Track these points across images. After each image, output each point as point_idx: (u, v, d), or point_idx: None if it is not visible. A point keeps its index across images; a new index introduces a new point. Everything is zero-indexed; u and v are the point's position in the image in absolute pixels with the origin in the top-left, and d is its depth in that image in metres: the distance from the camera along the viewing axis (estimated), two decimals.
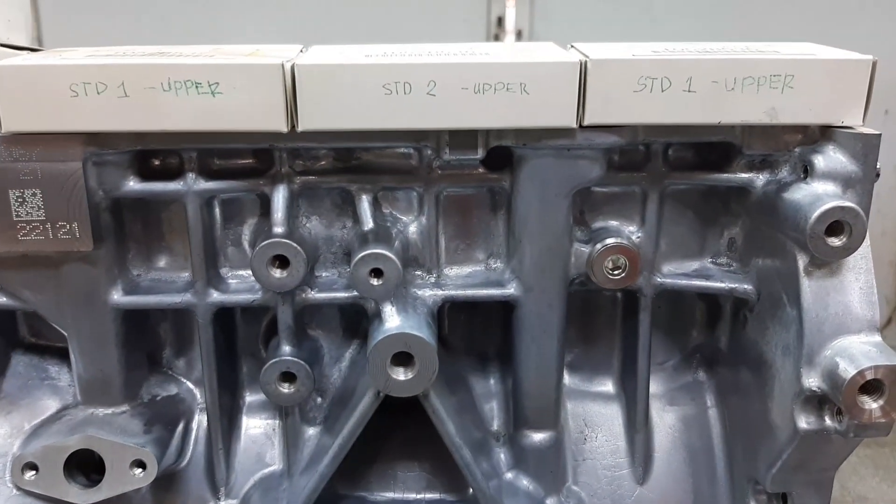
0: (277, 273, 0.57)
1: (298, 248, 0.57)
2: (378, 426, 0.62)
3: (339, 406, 0.64)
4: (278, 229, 0.58)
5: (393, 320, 0.56)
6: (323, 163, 0.60)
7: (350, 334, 0.66)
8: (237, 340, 0.66)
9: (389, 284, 0.55)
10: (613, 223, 0.63)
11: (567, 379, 0.69)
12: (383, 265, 0.55)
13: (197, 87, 0.53)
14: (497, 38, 1.85)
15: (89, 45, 0.62)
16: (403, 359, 0.56)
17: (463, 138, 0.56)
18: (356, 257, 0.55)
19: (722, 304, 0.66)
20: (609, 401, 0.69)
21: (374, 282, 0.56)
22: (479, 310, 0.67)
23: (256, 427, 0.67)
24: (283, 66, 0.52)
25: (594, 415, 0.69)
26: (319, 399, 0.65)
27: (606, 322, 0.68)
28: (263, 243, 0.57)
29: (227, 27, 1.75)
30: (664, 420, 0.68)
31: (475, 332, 0.69)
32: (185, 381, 0.67)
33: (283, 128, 0.53)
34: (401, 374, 0.56)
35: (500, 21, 1.85)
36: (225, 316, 0.64)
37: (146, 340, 0.65)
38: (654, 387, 0.68)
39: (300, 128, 0.54)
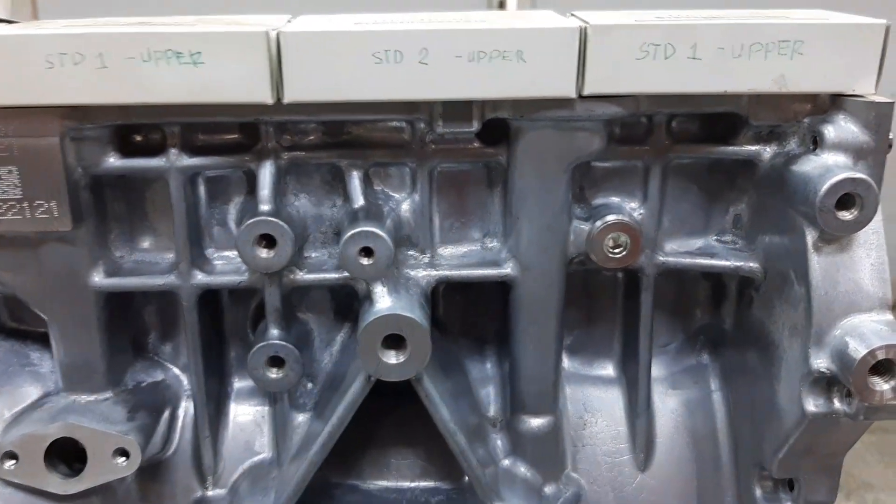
0: (264, 253, 0.55)
1: (285, 226, 0.54)
2: (371, 410, 0.60)
3: (329, 391, 0.62)
4: (265, 207, 0.55)
5: (384, 301, 0.54)
6: (311, 137, 0.58)
7: (341, 317, 0.63)
8: (224, 324, 0.64)
9: (380, 264, 0.53)
10: (614, 199, 0.60)
11: (566, 362, 0.67)
12: (373, 244, 0.53)
13: (178, 56, 0.50)
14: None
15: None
16: (395, 341, 0.54)
17: (457, 110, 0.54)
18: (345, 235, 0.53)
19: (727, 284, 0.64)
20: (609, 385, 0.67)
21: (364, 261, 0.53)
22: (476, 290, 0.64)
23: (245, 414, 0.65)
24: (267, 34, 0.50)
25: (594, 399, 0.66)
26: (310, 384, 0.63)
27: (607, 303, 0.66)
28: (249, 221, 0.54)
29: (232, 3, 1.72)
30: (666, 404, 0.66)
31: (471, 314, 0.66)
32: (171, 366, 0.65)
33: (269, 99, 0.51)
34: (392, 358, 0.53)
35: (502, 2, 1.82)
36: (211, 299, 0.62)
37: (130, 324, 0.63)
38: (656, 370, 0.66)
39: (286, 99, 0.51)
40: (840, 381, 0.52)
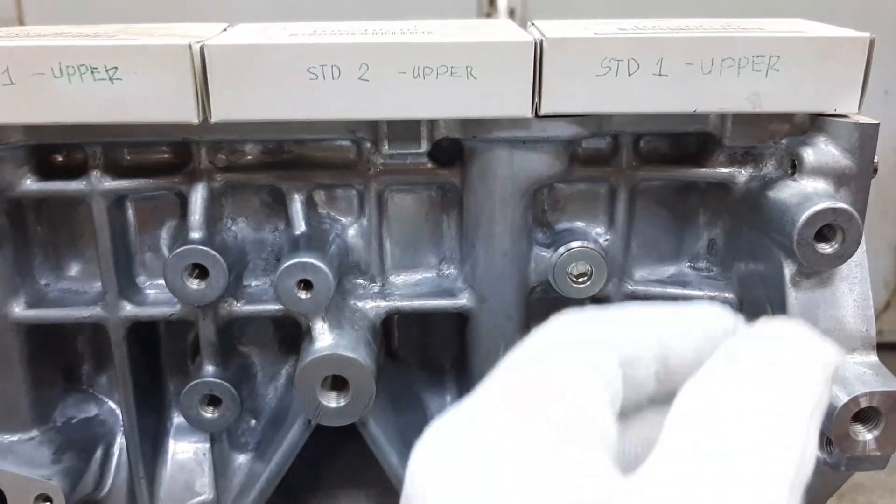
0: (195, 284, 0.50)
1: (217, 255, 0.50)
2: (321, 444, 0.55)
3: (273, 429, 0.57)
4: (195, 234, 0.51)
5: (324, 339, 0.49)
6: (249, 157, 0.53)
7: (287, 349, 0.59)
8: (161, 355, 0.60)
9: (320, 298, 0.49)
10: (579, 224, 0.56)
11: None
12: (312, 276, 0.48)
13: (93, 72, 0.46)
14: (489, 17, 1.77)
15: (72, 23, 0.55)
16: (337, 382, 0.49)
17: (403, 129, 0.50)
18: (281, 267, 0.48)
19: None
20: None
21: (303, 295, 0.49)
22: (433, 318, 0.60)
23: (185, 452, 0.60)
24: (190, 47, 0.45)
25: None
26: (253, 421, 0.59)
27: None
28: (177, 251, 0.50)
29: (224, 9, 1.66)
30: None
31: (429, 343, 0.62)
32: (106, 400, 0.60)
33: (194, 119, 0.46)
34: (333, 401, 0.49)
35: (492, 1, 1.77)
36: (146, 329, 0.57)
37: (60, 356, 0.58)
38: None
39: (213, 118, 0.47)
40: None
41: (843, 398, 0.45)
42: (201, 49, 0.46)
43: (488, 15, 1.78)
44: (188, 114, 0.46)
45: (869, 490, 1.72)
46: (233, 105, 0.47)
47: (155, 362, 0.59)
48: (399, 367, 0.61)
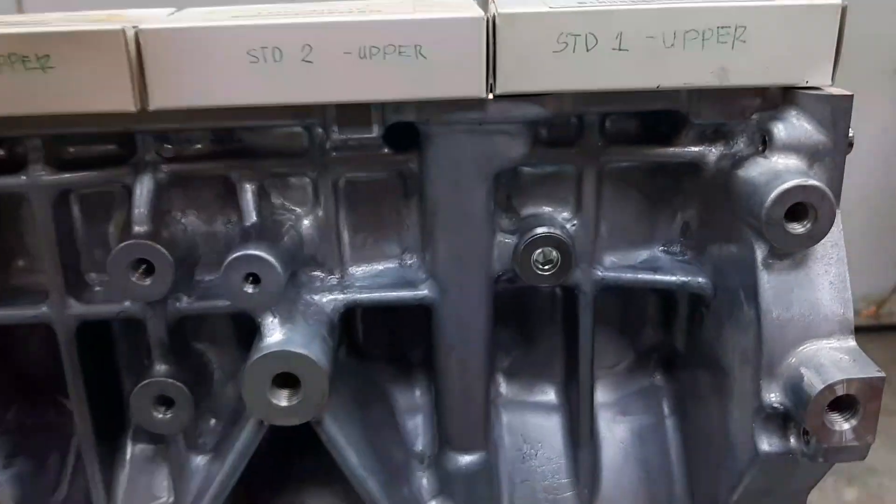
0: (141, 281, 0.48)
1: (163, 250, 0.47)
2: (285, 442, 0.53)
3: (234, 428, 0.55)
4: (140, 228, 0.49)
5: (274, 335, 0.47)
6: (198, 146, 0.51)
7: (246, 345, 0.55)
8: (117, 354, 0.58)
9: (268, 292, 0.46)
10: (546, 209, 0.54)
11: (503, 387, 0.60)
12: (259, 269, 0.46)
13: (24, 61, 0.44)
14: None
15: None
16: (289, 380, 0.47)
17: (353, 113, 0.47)
18: (226, 260, 0.46)
19: (677, 299, 0.57)
20: (551, 412, 0.60)
21: (250, 289, 0.46)
22: (400, 309, 0.58)
23: (144, 453, 0.58)
24: (124, 32, 0.43)
25: (534, 428, 0.60)
26: (213, 421, 0.57)
27: (546, 321, 0.59)
28: (120, 246, 0.47)
29: None
30: (614, 433, 0.59)
31: (396, 335, 0.60)
32: (63, 401, 0.58)
33: (131, 107, 0.44)
34: (283, 400, 0.47)
35: None
36: (100, 327, 0.55)
37: (11, 356, 0.57)
38: (604, 395, 0.60)
39: (152, 106, 0.44)
40: (795, 416, 0.45)
41: (819, 386, 0.43)
42: (136, 34, 0.43)
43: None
44: (125, 102, 0.44)
45: (882, 473, 1.70)
46: (171, 92, 0.44)
47: (110, 361, 0.57)
48: (364, 362, 0.59)
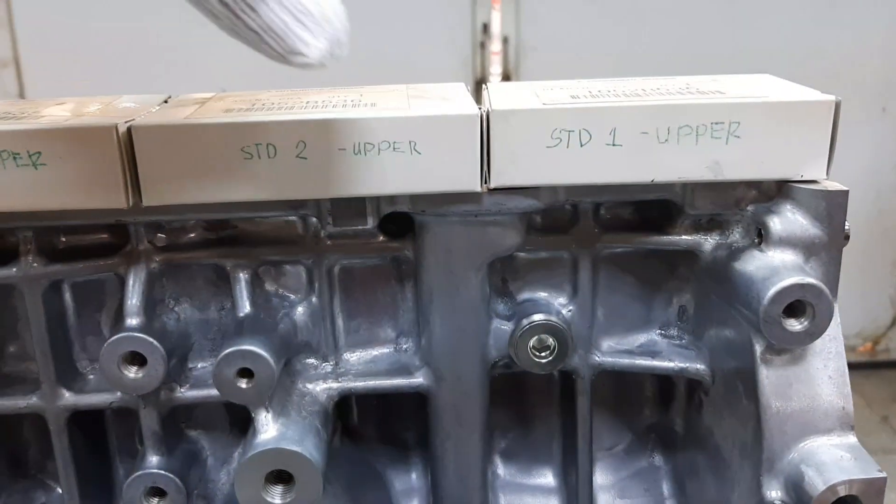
0: (132, 373, 0.48)
1: (155, 343, 0.47)
2: None
3: None
4: (132, 321, 0.48)
5: (268, 431, 0.47)
6: (192, 235, 0.51)
7: (240, 430, 0.56)
8: (109, 441, 0.57)
9: (262, 387, 0.46)
10: (541, 295, 0.53)
11: (500, 469, 0.60)
12: (253, 364, 0.46)
13: (15, 158, 0.43)
14: (483, 45, 1.76)
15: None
16: (282, 474, 0.46)
17: (347, 206, 0.47)
18: (220, 355, 0.46)
19: (675, 382, 0.56)
20: (549, 495, 0.59)
21: (243, 384, 0.46)
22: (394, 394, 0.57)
23: None
24: (116, 128, 0.43)
25: None
26: None
27: (543, 403, 0.59)
28: (112, 339, 0.47)
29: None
30: None
31: (392, 418, 0.59)
32: (55, 486, 0.58)
33: (123, 204, 0.44)
34: (277, 497, 0.46)
35: (486, 27, 1.76)
36: (92, 413, 0.54)
37: (4, 442, 0.56)
38: (602, 476, 0.59)
39: (144, 202, 0.44)
40: None
41: (821, 486, 0.42)
42: (128, 130, 0.43)
43: (482, 44, 1.78)
44: (117, 199, 0.44)
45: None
46: (164, 189, 0.44)
47: (102, 447, 0.57)
48: (358, 445, 0.58)
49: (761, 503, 0.45)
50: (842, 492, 0.42)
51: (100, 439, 0.56)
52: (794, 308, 0.43)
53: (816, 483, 0.42)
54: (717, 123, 0.44)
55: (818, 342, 0.45)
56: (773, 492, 0.45)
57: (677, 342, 0.54)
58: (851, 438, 0.45)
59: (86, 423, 0.54)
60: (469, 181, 0.45)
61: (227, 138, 0.43)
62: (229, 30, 0.32)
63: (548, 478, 0.59)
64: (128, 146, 0.43)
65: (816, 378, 0.45)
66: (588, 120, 0.44)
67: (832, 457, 0.44)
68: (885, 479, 0.42)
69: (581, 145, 0.44)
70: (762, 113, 0.44)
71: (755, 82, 0.49)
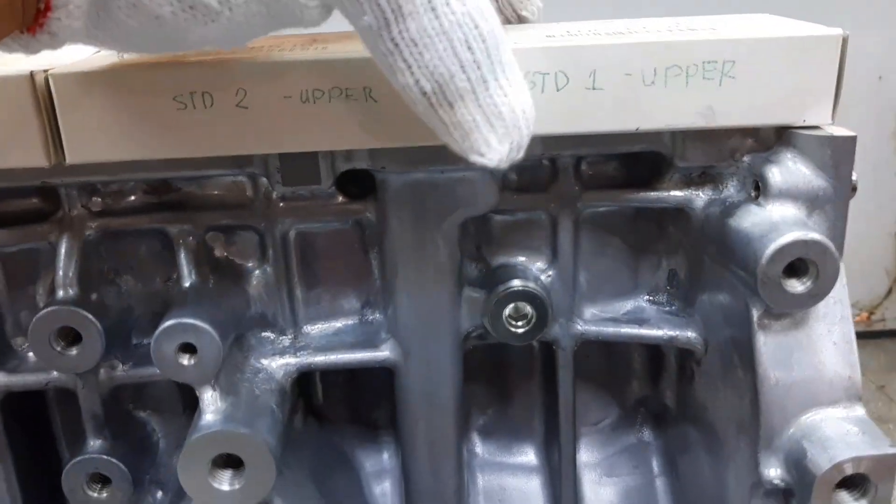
0: (66, 350, 0.43)
1: (90, 316, 0.43)
2: None
3: (184, 500, 0.50)
4: (64, 293, 0.44)
5: (215, 411, 0.42)
6: (131, 199, 0.46)
7: (193, 411, 0.51)
8: (53, 424, 0.52)
9: (206, 364, 0.41)
10: (519, 259, 0.49)
11: (478, 448, 0.56)
12: (195, 339, 0.41)
13: None
14: None
15: None
16: (232, 460, 0.42)
17: (299, 164, 0.42)
18: (158, 329, 0.41)
19: (665, 353, 0.52)
20: (531, 474, 0.55)
21: (185, 361, 0.41)
22: (360, 369, 0.53)
23: None
24: (32, 76, 0.38)
25: (512, 492, 0.55)
26: (160, 493, 0.52)
27: (523, 377, 0.54)
28: (41, 313, 0.43)
29: None
30: (600, 496, 0.54)
31: (360, 396, 0.55)
32: None
33: (44, 163, 0.39)
34: (225, 483, 0.42)
35: None
36: (32, 395, 0.50)
37: None
38: (587, 454, 0.55)
39: (68, 160, 0.40)
40: (797, 495, 0.40)
41: (825, 465, 0.38)
42: (46, 79, 0.38)
43: None
44: (37, 157, 0.39)
45: None
46: (90, 145, 0.39)
47: (46, 431, 0.52)
48: (325, 426, 0.54)
49: (759, 483, 0.41)
50: (848, 470, 0.38)
51: (44, 423, 0.52)
52: (796, 267, 0.38)
53: (820, 460, 0.38)
54: (709, 63, 0.39)
55: (821, 305, 0.40)
56: (772, 470, 0.41)
57: (667, 309, 0.49)
58: (859, 411, 0.41)
59: (28, 405, 0.50)
60: (431, 132, 0.40)
61: (157, 86, 0.39)
62: (423, 116, 0.32)
63: (529, 456, 0.55)
64: (47, 97, 0.39)
65: (820, 345, 0.41)
66: (565, 61, 0.39)
67: (838, 431, 0.39)
68: None
69: (557, 90, 0.39)
70: (760, 50, 0.39)
71: (752, 20, 0.44)
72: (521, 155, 0.33)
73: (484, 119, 0.31)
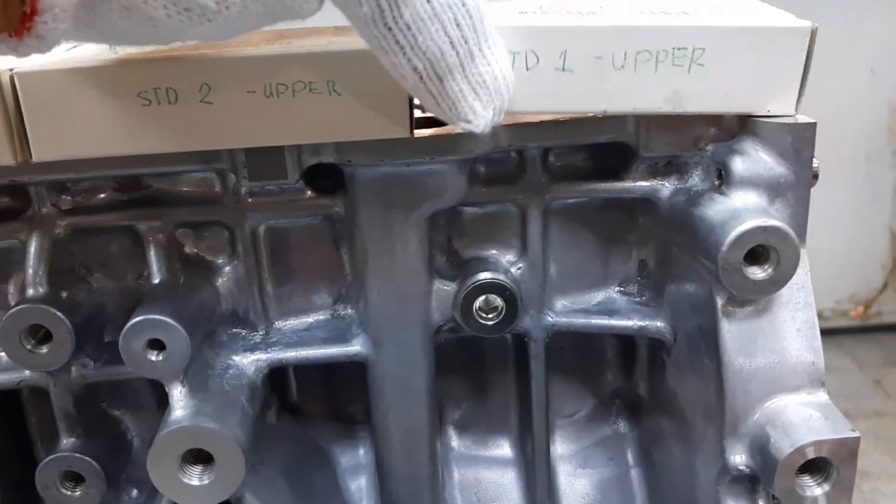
0: (37, 349, 0.43)
1: (60, 315, 0.43)
2: None
3: (158, 498, 0.50)
4: (34, 291, 0.44)
5: (184, 407, 0.42)
6: (101, 196, 0.46)
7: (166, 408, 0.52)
8: (28, 424, 0.52)
9: (175, 360, 0.41)
10: (489, 252, 0.49)
11: (454, 441, 0.56)
12: (164, 335, 0.41)
13: None
14: None
15: None
16: (202, 455, 0.42)
17: (265, 158, 0.43)
18: (126, 325, 0.41)
19: (637, 343, 0.52)
20: (506, 467, 0.55)
21: (154, 357, 0.42)
22: (334, 364, 0.53)
23: None
24: None
25: (488, 485, 0.55)
26: (135, 492, 0.52)
27: (498, 370, 0.55)
28: (11, 311, 0.43)
29: None
30: (575, 487, 0.55)
31: (335, 391, 0.55)
32: None
33: (10, 161, 0.39)
34: (195, 478, 0.42)
35: None
36: (8, 395, 0.50)
37: None
38: (563, 446, 0.55)
39: (35, 158, 0.40)
40: (762, 480, 0.41)
41: (787, 449, 0.38)
42: (11, 78, 0.39)
43: None
44: (3, 156, 0.39)
45: (874, 477, 1.66)
46: (55, 142, 0.39)
47: (21, 430, 0.52)
48: (299, 422, 0.54)
49: (724, 469, 0.42)
50: (810, 454, 0.38)
51: (19, 425, 0.52)
52: (757, 254, 0.39)
53: (782, 445, 0.38)
54: (679, 49, 0.39)
55: (785, 292, 0.41)
56: (738, 457, 0.41)
57: (637, 299, 0.50)
58: (822, 396, 0.41)
59: (3, 406, 0.50)
60: (397, 126, 0.40)
61: (121, 82, 0.39)
62: (411, 90, 0.33)
63: (504, 449, 0.56)
64: (12, 96, 0.39)
65: (783, 331, 0.41)
66: (536, 41, 0.39)
67: (800, 416, 0.40)
68: (857, 439, 0.38)
69: (527, 69, 0.39)
70: (730, 38, 0.39)
71: (725, 5, 0.44)
72: (503, 117, 0.34)
73: (470, 89, 0.32)
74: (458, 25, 0.31)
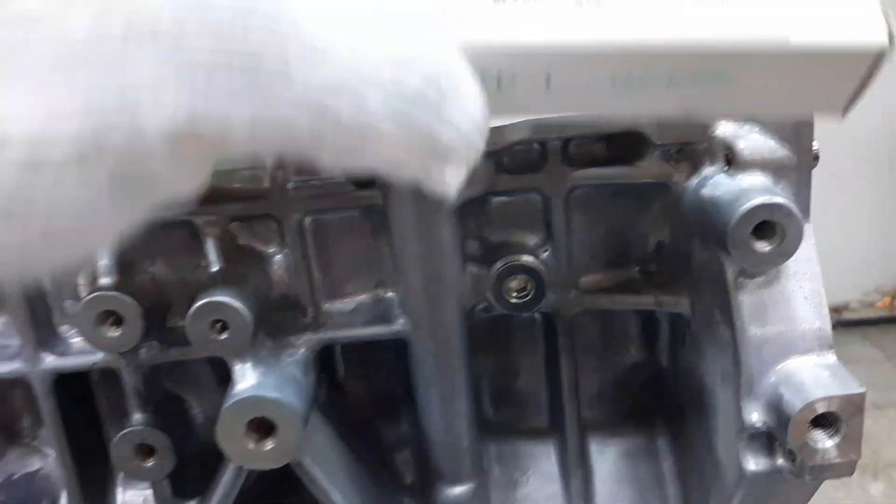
0: (110, 332, 0.48)
1: (131, 300, 0.47)
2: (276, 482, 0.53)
3: (217, 472, 0.55)
4: (105, 280, 0.49)
5: (246, 380, 0.47)
6: None
7: (226, 387, 0.56)
8: (99, 404, 0.57)
9: (238, 338, 0.46)
10: (516, 236, 0.53)
11: (491, 415, 0.60)
12: (227, 315, 0.46)
13: None
14: None
15: None
16: (264, 424, 0.47)
17: None
18: (192, 308, 0.46)
19: (659, 319, 0.56)
20: (541, 437, 0.59)
21: (217, 336, 0.46)
22: (377, 345, 0.57)
23: (132, 500, 0.58)
24: None
25: (524, 455, 0.59)
26: (199, 465, 0.56)
27: (529, 346, 0.59)
28: (86, 298, 0.47)
29: None
30: (605, 455, 0.58)
31: (379, 370, 0.59)
32: (50, 452, 0.58)
33: None
34: (259, 445, 0.46)
35: None
36: (80, 377, 0.55)
37: None
38: (592, 418, 0.59)
39: None
40: (777, 436, 0.44)
41: (798, 405, 0.42)
42: None
43: None
44: None
45: None
46: None
47: (92, 411, 0.57)
48: (347, 399, 0.58)
49: (743, 428, 0.45)
50: (820, 409, 0.41)
51: (91, 404, 0.57)
52: (764, 229, 0.42)
53: (794, 402, 0.42)
54: (699, 69, 0.41)
55: (792, 264, 0.44)
56: (754, 415, 0.44)
57: (656, 278, 0.53)
58: (831, 358, 0.44)
59: (74, 388, 0.54)
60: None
61: None
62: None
63: (538, 421, 0.60)
64: None
65: (792, 300, 0.45)
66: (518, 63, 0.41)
67: (811, 376, 0.43)
68: (863, 394, 0.42)
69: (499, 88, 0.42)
70: (765, 64, 0.36)
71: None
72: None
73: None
74: None
